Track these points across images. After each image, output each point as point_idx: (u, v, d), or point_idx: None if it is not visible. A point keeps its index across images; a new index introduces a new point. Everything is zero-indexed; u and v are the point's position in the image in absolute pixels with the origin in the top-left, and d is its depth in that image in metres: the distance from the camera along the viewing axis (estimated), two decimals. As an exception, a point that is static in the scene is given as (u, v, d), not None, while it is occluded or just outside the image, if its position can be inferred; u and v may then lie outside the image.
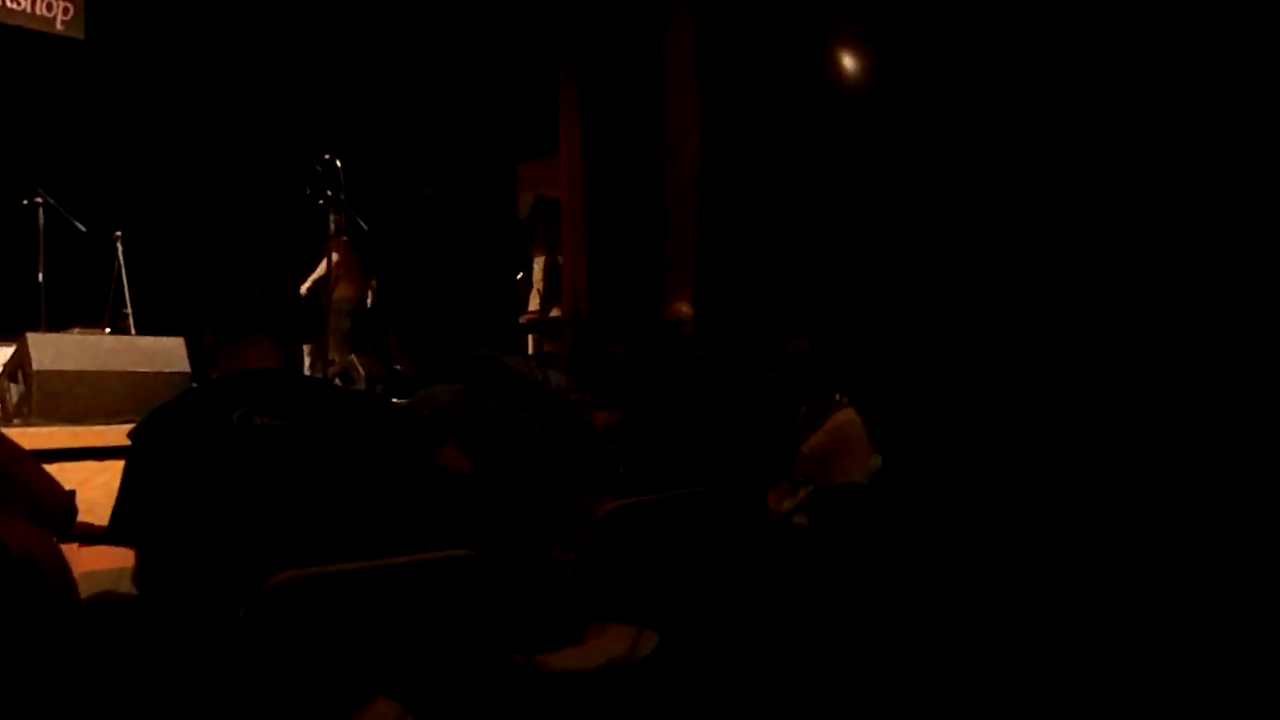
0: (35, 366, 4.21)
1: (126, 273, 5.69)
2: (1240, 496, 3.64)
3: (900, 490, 3.62)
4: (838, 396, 3.84)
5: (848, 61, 6.67)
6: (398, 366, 2.91)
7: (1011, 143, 5.27)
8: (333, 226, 5.96)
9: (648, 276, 7.11)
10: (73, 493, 2.13)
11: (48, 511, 2.01)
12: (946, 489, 3.90)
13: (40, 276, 5.34)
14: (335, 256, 6.72)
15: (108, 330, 5.84)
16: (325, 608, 1.84)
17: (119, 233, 5.66)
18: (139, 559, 2.09)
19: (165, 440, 2.05)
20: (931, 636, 3.14)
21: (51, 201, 5.32)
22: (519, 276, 9.37)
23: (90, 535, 2.08)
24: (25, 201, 5.34)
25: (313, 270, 7.38)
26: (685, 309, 5.72)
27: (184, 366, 4.71)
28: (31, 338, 4.40)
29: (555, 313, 8.34)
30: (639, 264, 7.23)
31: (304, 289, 7.49)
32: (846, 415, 3.74)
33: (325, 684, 2.01)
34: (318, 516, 2.06)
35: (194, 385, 4.56)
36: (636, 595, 2.53)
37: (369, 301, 7.50)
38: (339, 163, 5.71)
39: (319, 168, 5.68)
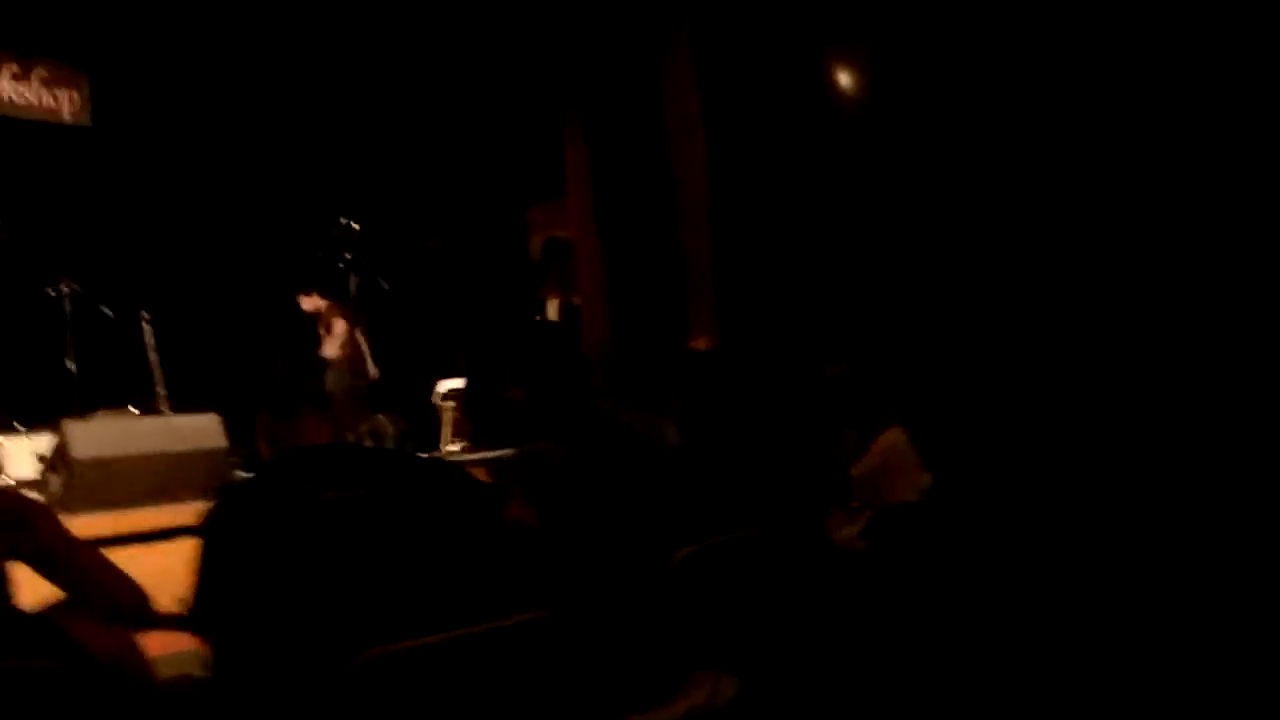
0: (74, 455, 4.23)
1: (156, 352, 5.70)
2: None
3: (955, 506, 3.57)
4: (887, 416, 3.79)
5: (845, 76, 6.68)
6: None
7: (1018, 145, 5.26)
8: (353, 289, 5.99)
9: (669, 310, 7.10)
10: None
11: (122, 605, 1.99)
12: (999, 501, 3.84)
13: (70, 363, 5.36)
14: (333, 323, 6.77)
15: (133, 409, 5.86)
16: (411, 682, 1.82)
17: (145, 313, 5.69)
18: (216, 645, 2.06)
19: (238, 522, 2.02)
20: (1001, 652, 3.08)
21: (78, 289, 5.35)
22: (537, 319, 9.39)
23: (165, 622, 2.06)
24: (52, 292, 5.37)
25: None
26: (703, 344, 5.70)
27: (221, 442, 4.73)
28: (68, 426, 4.42)
29: None
30: (658, 298, 7.22)
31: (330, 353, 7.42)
32: (895, 435, 3.69)
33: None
34: (394, 586, 2.03)
35: (238, 462, 4.57)
36: (713, 640, 2.48)
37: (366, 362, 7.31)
38: (355, 226, 5.74)
39: (337, 232, 5.71)
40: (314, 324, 6.93)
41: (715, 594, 2.43)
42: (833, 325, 5.80)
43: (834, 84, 6.67)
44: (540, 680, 1.99)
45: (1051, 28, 5.06)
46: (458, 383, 8.15)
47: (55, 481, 4.27)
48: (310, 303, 6.86)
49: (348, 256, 5.74)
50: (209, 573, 2.02)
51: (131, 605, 2.00)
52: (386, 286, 5.80)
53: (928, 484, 3.59)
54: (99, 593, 1.98)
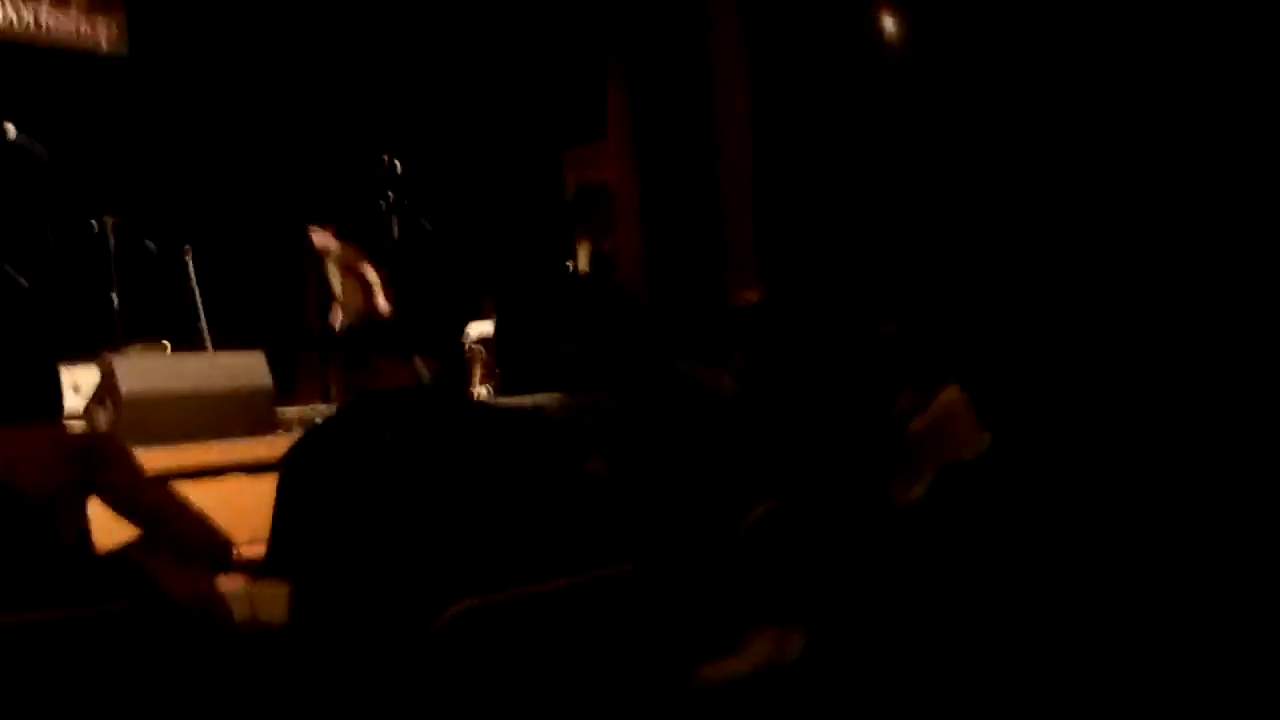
0: (124, 391, 4.21)
1: (199, 287, 5.68)
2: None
3: (1012, 467, 3.53)
4: (944, 375, 3.73)
5: (894, 29, 6.53)
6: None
7: (1069, 96, 5.12)
8: (396, 230, 5.91)
9: (706, 263, 7.02)
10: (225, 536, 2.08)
11: (201, 545, 1.97)
12: (1054, 464, 3.79)
13: (114, 296, 5.34)
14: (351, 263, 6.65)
15: (166, 344, 5.84)
16: (500, 633, 1.79)
17: (188, 247, 5.65)
18: (296, 590, 2.04)
19: (319, 465, 1.99)
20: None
21: (121, 222, 5.31)
22: (569, 264, 9.32)
23: (246, 568, 2.04)
24: (95, 225, 5.34)
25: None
26: (753, 296, 5.63)
27: (267, 381, 4.71)
28: (117, 361, 4.40)
29: None
30: (695, 251, 7.14)
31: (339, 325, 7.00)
32: (951, 393, 3.64)
33: (499, 712, 1.96)
34: (478, 534, 2.00)
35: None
36: (783, 596, 2.46)
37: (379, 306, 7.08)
38: (398, 164, 5.66)
39: (380, 171, 5.63)
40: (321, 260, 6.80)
41: (786, 551, 2.40)
42: (878, 279, 5.72)
43: (881, 31, 6.52)
44: (622, 632, 1.97)
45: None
46: (487, 326, 8.11)
47: (102, 416, 4.25)
48: (321, 238, 6.71)
49: (390, 195, 5.66)
50: (288, 516, 2.00)
51: (211, 545, 1.98)
52: (430, 228, 5.73)
53: (985, 444, 3.55)
54: (178, 532, 1.96)
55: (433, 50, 8.10)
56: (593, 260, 9.25)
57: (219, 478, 4.32)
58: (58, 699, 1.60)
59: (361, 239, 6.45)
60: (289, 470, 2.02)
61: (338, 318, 6.74)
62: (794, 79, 6.64)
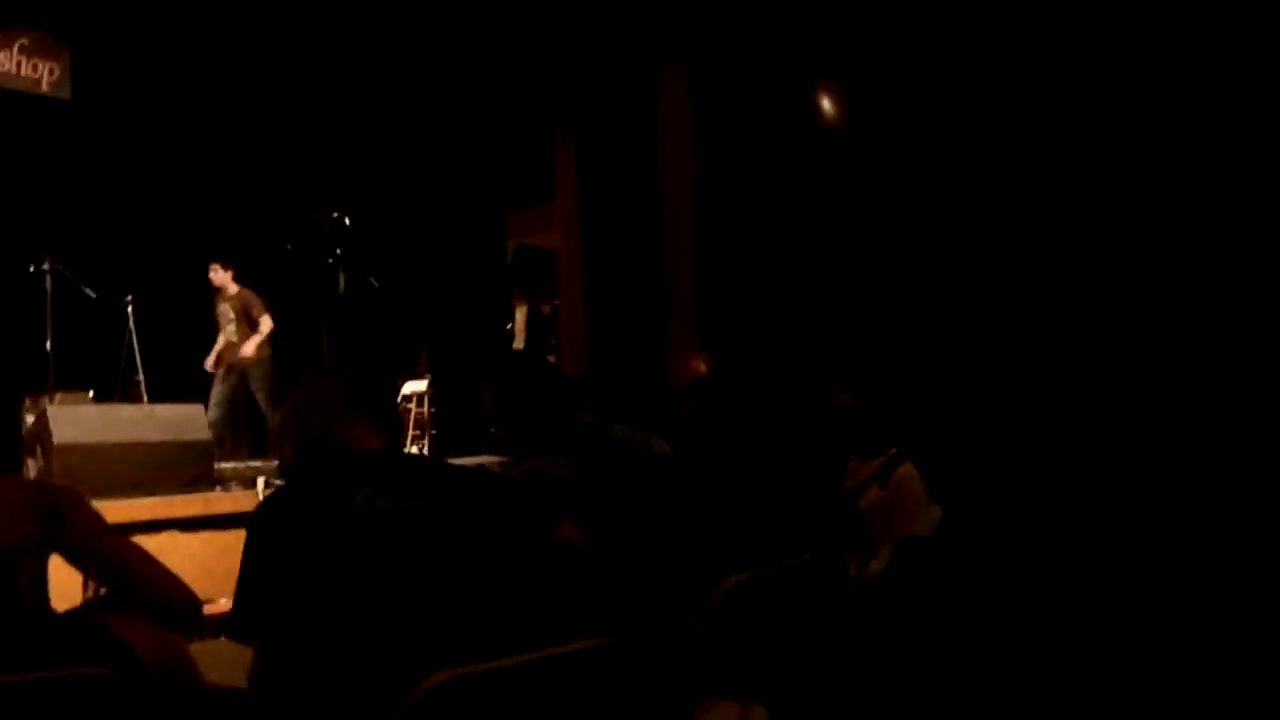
0: (56, 440, 4.07)
1: (137, 337, 5.54)
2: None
3: (965, 540, 3.59)
4: (891, 451, 3.80)
5: (833, 107, 6.73)
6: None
7: (996, 167, 5.31)
8: (342, 285, 5.86)
9: (648, 327, 7.07)
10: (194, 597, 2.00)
11: (175, 610, 1.90)
12: (1009, 533, 3.87)
13: (48, 343, 5.18)
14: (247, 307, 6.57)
15: (92, 394, 5.68)
16: (474, 706, 1.76)
17: (130, 297, 5.51)
18: (258, 656, 1.97)
19: (287, 525, 1.94)
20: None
21: (60, 268, 5.17)
22: (508, 326, 9.32)
23: (209, 626, 1.97)
24: (32, 268, 5.19)
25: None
26: (702, 366, 5.68)
27: (204, 434, 4.60)
28: (51, 410, 4.27)
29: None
30: (638, 315, 7.19)
31: (212, 364, 6.86)
32: (905, 469, 3.71)
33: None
34: (449, 603, 1.97)
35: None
36: (745, 670, 2.45)
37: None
38: (347, 220, 5.62)
39: (326, 226, 5.59)
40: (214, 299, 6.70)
41: (754, 623, 2.40)
42: (823, 351, 5.81)
43: (822, 109, 6.70)
44: (597, 705, 1.94)
45: (1029, 55, 5.12)
46: (421, 384, 8.04)
47: (33, 466, 4.10)
48: (219, 276, 6.62)
49: (337, 252, 5.61)
50: (255, 577, 1.94)
51: (181, 603, 1.90)
52: (377, 284, 5.68)
53: (938, 517, 3.61)
54: (146, 590, 1.88)
55: (383, 108, 8.10)
56: (530, 322, 9.26)
57: (153, 534, 4.19)
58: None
59: (306, 291, 6.36)
60: (257, 529, 1.96)
61: (212, 360, 6.69)
62: (738, 149, 6.78)
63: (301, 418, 2.25)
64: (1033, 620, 3.32)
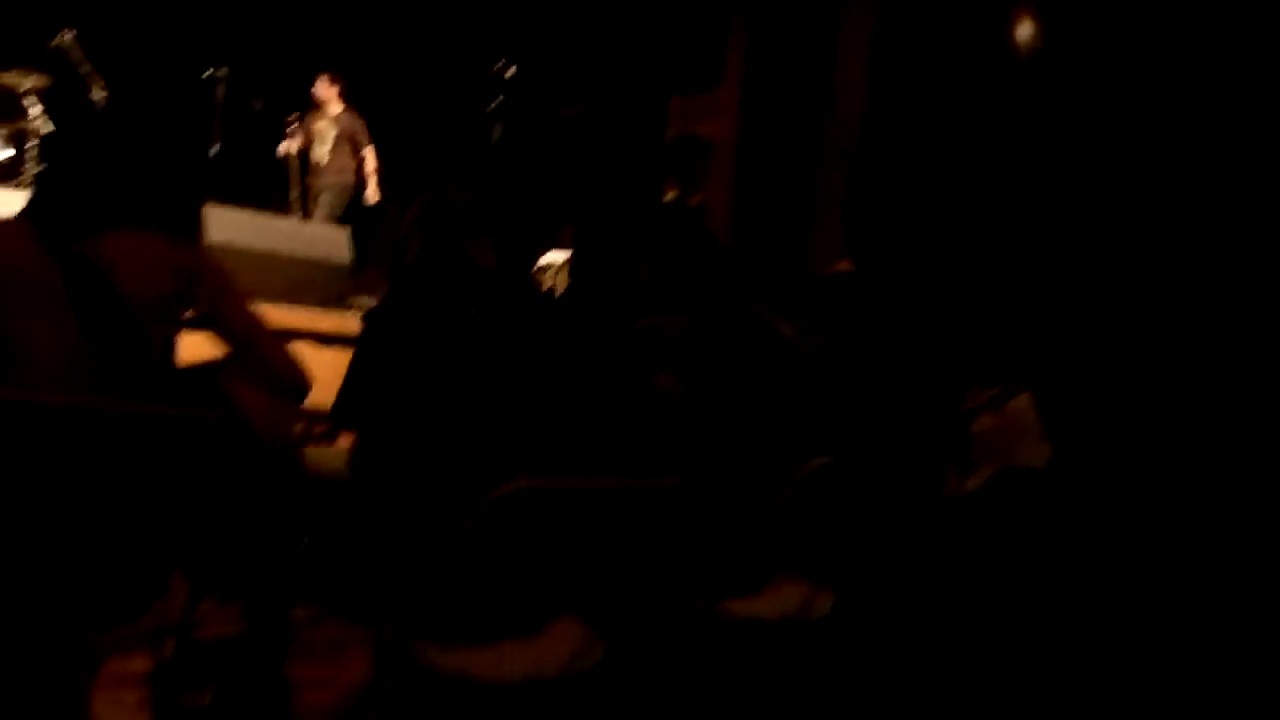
0: (209, 238, 4.29)
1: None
2: None
3: (1073, 480, 3.48)
4: (1011, 382, 3.69)
5: (1028, 33, 6.37)
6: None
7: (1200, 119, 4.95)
8: (496, 135, 5.88)
9: (793, 231, 6.96)
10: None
11: (283, 375, 2.01)
12: (1120, 482, 3.74)
13: (213, 150, 5.43)
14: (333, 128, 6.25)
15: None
16: (541, 520, 1.82)
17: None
18: (358, 443, 2.09)
19: (399, 328, 2.03)
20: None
21: (232, 76, 5.36)
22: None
23: (316, 414, 2.09)
24: (206, 74, 5.40)
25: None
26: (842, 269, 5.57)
27: (346, 257, 4.78)
28: (208, 209, 4.49)
29: None
30: (785, 218, 7.08)
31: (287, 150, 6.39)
32: (1021, 401, 3.60)
33: (524, 593, 2.00)
34: (536, 421, 2.03)
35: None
36: (818, 552, 2.46)
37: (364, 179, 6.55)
38: (512, 70, 5.62)
39: (494, 70, 5.59)
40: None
41: (832, 509, 2.41)
42: (970, 276, 5.62)
43: (1014, 32, 6.36)
44: (657, 541, 1.99)
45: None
46: (561, 256, 8.11)
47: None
48: (324, 89, 6.20)
49: (496, 103, 5.64)
50: (363, 371, 2.04)
51: (293, 376, 2.01)
52: (528, 143, 5.71)
53: (1047, 454, 3.51)
54: (264, 358, 1.99)
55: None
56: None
57: (287, 341, 4.42)
58: (123, 488, 1.65)
59: (458, 138, 6.40)
60: (372, 324, 2.06)
61: (292, 147, 6.27)
62: (916, 68, 6.52)
63: (427, 229, 2.32)
64: (1112, 576, 3.22)
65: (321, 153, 6.31)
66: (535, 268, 8.17)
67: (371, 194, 6.41)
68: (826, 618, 2.43)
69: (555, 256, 8.28)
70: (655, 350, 2.33)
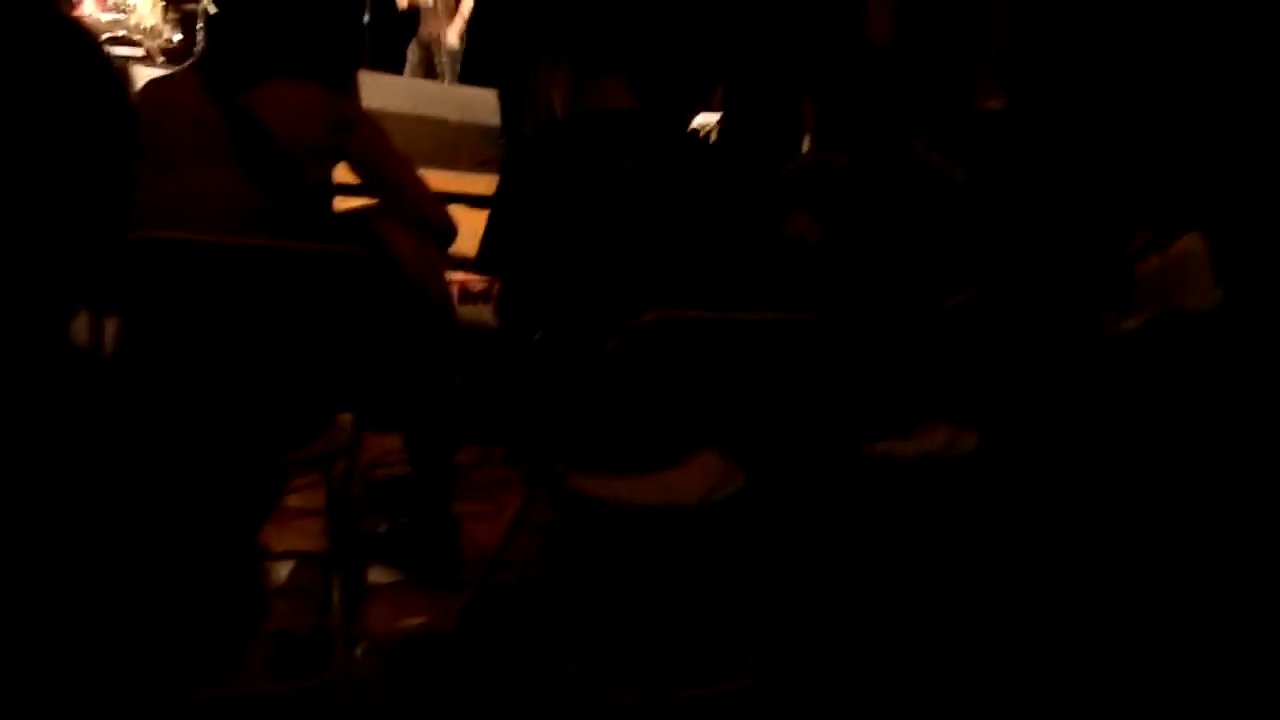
0: (363, 104, 4.42)
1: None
2: None
3: (1240, 327, 3.30)
4: (1180, 221, 3.49)
5: None
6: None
7: None
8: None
9: (953, 66, 6.63)
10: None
11: (436, 227, 2.10)
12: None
13: (365, 18, 5.54)
14: None
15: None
16: (683, 350, 1.87)
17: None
18: (503, 287, 2.17)
19: (538, 173, 2.07)
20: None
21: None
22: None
23: (460, 262, 2.18)
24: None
25: None
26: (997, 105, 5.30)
27: (495, 120, 4.85)
28: (362, 76, 4.60)
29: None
30: (945, 53, 6.73)
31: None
32: (1191, 241, 3.41)
33: (665, 425, 2.07)
34: (673, 260, 2.06)
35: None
36: (964, 392, 2.44)
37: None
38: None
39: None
40: None
41: (976, 346, 2.36)
42: (1143, 113, 5.26)
43: None
44: (793, 378, 2.01)
45: None
46: (713, 118, 7.97)
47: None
48: None
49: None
50: (501, 218, 2.10)
51: (441, 222, 2.10)
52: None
53: (1216, 299, 3.33)
54: (414, 204, 2.09)
55: None
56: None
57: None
58: (285, 323, 1.78)
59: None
60: (507, 173, 2.11)
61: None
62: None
63: (559, 77, 2.33)
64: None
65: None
66: (689, 128, 8.09)
67: (453, 38, 6.28)
68: (970, 455, 2.42)
69: (708, 118, 8.17)
70: (800, 189, 2.31)
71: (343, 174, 2.16)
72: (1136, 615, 2.49)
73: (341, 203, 2.28)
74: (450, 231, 2.11)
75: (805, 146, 2.85)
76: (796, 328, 1.92)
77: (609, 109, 2.18)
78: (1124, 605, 2.52)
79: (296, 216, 1.91)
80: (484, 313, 2.44)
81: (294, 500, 2.67)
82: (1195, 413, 2.92)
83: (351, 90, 2.24)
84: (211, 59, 2.00)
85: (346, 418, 2.00)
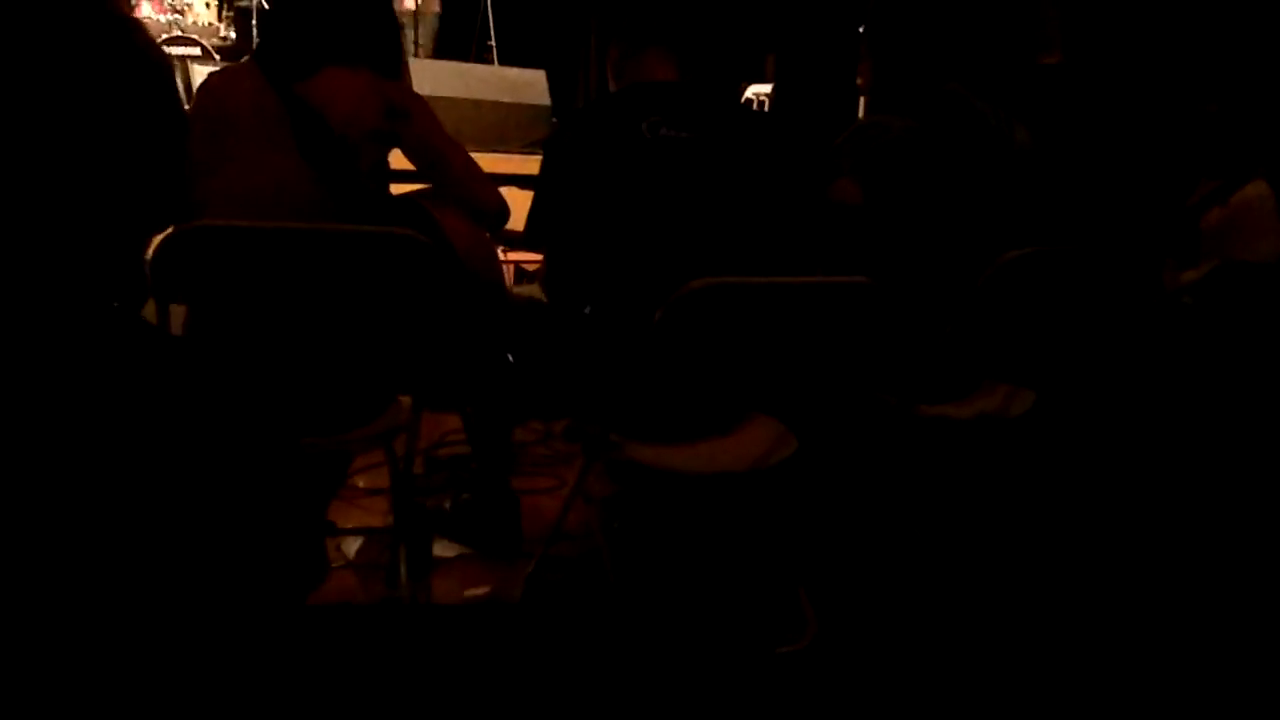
0: (414, 90, 4.49)
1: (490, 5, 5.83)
2: None
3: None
4: (1255, 169, 3.39)
5: None
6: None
7: None
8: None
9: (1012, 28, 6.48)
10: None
11: (487, 209, 2.14)
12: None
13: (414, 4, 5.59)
14: None
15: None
16: (730, 317, 1.89)
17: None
18: (549, 262, 2.20)
19: (580, 148, 2.10)
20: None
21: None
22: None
23: (510, 239, 2.21)
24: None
25: None
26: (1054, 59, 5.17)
27: (545, 99, 4.88)
28: (412, 62, 4.67)
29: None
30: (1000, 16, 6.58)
31: None
32: (1257, 189, 3.32)
33: (715, 393, 2.10)
34: (716, 229, 2.08)
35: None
36: (1020, 352, 2.42)
37: None
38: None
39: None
40: None
41: (1030, 305, 2.34)
42: (1199, 66, 5.11)
43: None
44: (842, 342, 2.02)
45: None
46: (765, 88, 7.91)
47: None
48: None
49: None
50: (547, 194, 2.13)
51: (493, 204, 2.14)
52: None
53: (1283, 249, 3.25)
54: (466, 188, 2.13)
55: None
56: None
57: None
58: (343, 304, 1.84)
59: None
60: (552, 148, 2.14)
61: None
62: None
63: (608, 52, 2.36)
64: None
65: None
66: (741, 98, 8.02)
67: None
68: (1028, 414, 2.40)
69: (760, 89, 8.11)
70: (848, 155, 2.30)
71: (397, 160, 2.22)
72: (1207, 575, 2.46)
73: (397, 189, 2.33)
74: (503, 213, 2.15)
75: (861, 112, 2.82)
76: (841, 291, 1.93)
77: (652, 82, 2.21)
78: (1192, 569, 2.49)
79: (354, 201, 1.96)
80: (536, 290, 2.48)
81: (362, 480, 2.76)
82: (1258, 366, 2.86)
83: (402, 76, 2.28)
84: (267, 50, 2.06)
85: (406, 399, 2.06)
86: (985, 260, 2.20)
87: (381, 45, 2.12)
